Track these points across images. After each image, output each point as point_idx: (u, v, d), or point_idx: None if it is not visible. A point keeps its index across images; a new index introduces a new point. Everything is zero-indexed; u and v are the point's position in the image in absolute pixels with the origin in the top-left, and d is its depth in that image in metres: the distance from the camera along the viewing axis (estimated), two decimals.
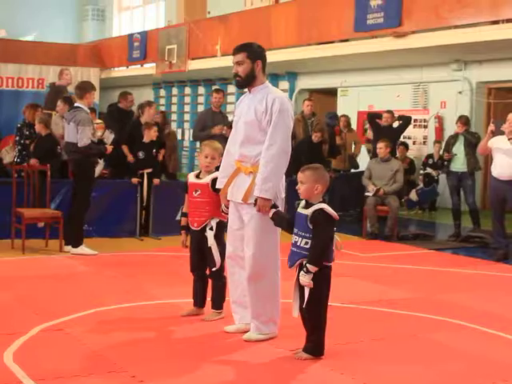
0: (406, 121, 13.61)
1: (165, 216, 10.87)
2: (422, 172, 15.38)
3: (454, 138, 11.67)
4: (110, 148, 9.96)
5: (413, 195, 14.83)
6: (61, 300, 6.78)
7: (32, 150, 10.42)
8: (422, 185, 15.16)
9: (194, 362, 5.07)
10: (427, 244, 10.96)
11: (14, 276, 7.89)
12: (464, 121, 11.60)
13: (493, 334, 6.05)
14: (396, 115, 13.69)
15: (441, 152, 13.17)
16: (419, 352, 5.52)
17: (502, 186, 9.59)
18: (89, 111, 9.51)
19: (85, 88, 9.45)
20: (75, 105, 9.53)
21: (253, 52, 5.64)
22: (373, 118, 13.78)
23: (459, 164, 11.44)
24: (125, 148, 10.91)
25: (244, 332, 5.70)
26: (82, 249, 9.31)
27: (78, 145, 9.19)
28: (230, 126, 11.49)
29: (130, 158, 10.82)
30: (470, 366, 5.21)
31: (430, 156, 15.42)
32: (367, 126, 15.32)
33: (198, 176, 6.23)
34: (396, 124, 13.65)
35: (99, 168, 11.21)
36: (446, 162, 11.75)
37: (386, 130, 13.15)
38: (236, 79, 5.69)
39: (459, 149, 11.44)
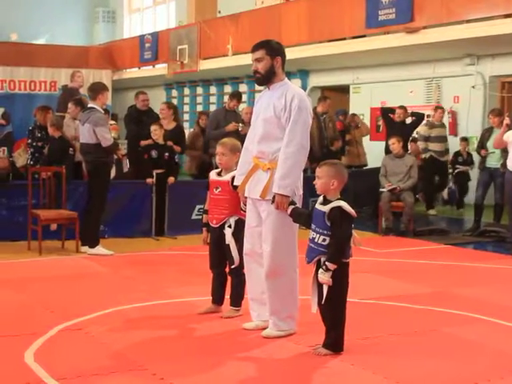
0: (419, 117, 13.60)
1: (180, 215, 10.90)
2: (450, 171, 15.09)
3: (488, 132, 11.58)
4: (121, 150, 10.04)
5: (445, 194, 14.79)
6: (79, 300, 6.80)
7: (46, 153, 10.44)
8: (451, 184, 14.94)
9: (214, 359, 5.07)
10: (443, 239, 10.93)
11: (31, 277, 7.92)
12: (497, 113, 11.52)
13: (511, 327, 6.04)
14: (409, 111, 13.66)
15: (474, 146, 12.98)
16: (438, 346, 5.50)
17: None
18: (103, 111, 9.56)
19: (97, 89, 9.48)
20: (89, 105, 9.57)
21: (272, 48, 5.64)
22: (386, 112, 13.79)
23: (494, 160, 11.38)
24: (143, 142, 11.00)
25: (263, 329, 5.70)
26: (99, 249, 9.34)
27: (103, 145, 9.23)
28: (246, 124, 11.55)
29: (147, 142, 10.89)
30: (489, 360, 5.19)
31: (457, 154, 15.02)
32: (380, 122, 15.29)
33: (219, 173, 6.25)
34: (409, 120, 13.62)
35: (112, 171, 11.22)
36: (481, 158, 11.66)
37: (398, 126, 13.15)
38: (256, 76, 5.68)
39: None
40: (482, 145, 11.59)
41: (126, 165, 10.77)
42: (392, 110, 13.69)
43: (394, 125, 13.26)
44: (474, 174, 13.48)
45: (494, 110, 11.88)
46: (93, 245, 9.35)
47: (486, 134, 11.62)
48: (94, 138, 9.27)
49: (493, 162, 11.43)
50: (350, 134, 14.52)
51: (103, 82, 10.50)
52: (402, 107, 13.52)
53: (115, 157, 10.39)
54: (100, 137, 9.23)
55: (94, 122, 9.22)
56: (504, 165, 11.27)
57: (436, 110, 14.08)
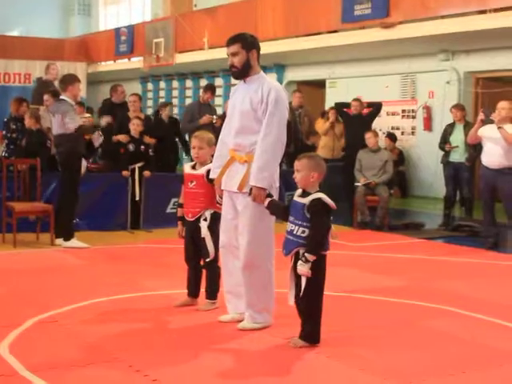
0: (377, 107, 13.30)
1: (156, 209, 10.88)
2: None
3: (451, 127, 11.68)
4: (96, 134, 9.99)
5: None
6: (54, 293, 6.77)
7: (24, 146, 10.36)
8: None
9: (190, 351, 5.08)
10: (418, 233, 11.00)
11: (5, 269, 7.87)
12: (460, 107, 11.62)
13: (485, 320, 6.09)
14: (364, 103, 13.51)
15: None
16: (413, 338, 5.55)
17: (492, 174, 9.61)
18: (73, 103, 9.45)
19: (67, 80, 9.44)
20: (60, 97, 9.50)
21: (247, 42, 5.64)
22: (340, 107, 13.44)
23: (458, 154, 11.49)
24: (116, 137, 10.95)
25: (238, 321, 5.72)
26: (73, 242, 9.30)
27: (71, 128, 9.12)
28: (220, 116, 11.53)
29: (123, 137, 10.85)
30: (463, 352, 5.24)
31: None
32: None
33: (193, 167, 6.24)
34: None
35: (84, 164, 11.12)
36: (444, 153, 11.76)
37: (356, 119, 12.83)
38: (232, 70, 5.68)
39: (457, 138, 11.46)
40: (445, 140, 11.69)
41: (98, 138, 10.60)
42: (346, 104, 13.37)
43: (351, 118, 12.96)
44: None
45: (457, 104, 11.97)
46: (67, 238, 9.31)
47: (449, 128, 11.73)
48: (64, 129, 9.21)
49: (456, 156, 11.54)
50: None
51: (75, 74, 10.40)
52: (356, 100, 13.16)
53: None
54: (67, 122, 9.14)
55: (62, 112, 9.16)
56: (469, 159, 11.40)
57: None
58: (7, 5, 26.77)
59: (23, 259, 8.56)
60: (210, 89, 12.79)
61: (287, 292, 5.28)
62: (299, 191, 5.22)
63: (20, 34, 26.31)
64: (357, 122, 12.70)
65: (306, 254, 5.01)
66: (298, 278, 5.12)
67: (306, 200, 5.09)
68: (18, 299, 6.50)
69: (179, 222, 6.41)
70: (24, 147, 10.34)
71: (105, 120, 11.77)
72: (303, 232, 5.07)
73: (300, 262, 5.03)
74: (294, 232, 5.12)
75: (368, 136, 11.74)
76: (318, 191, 5.13)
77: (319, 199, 5.07)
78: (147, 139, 11.12)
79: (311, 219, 5.04)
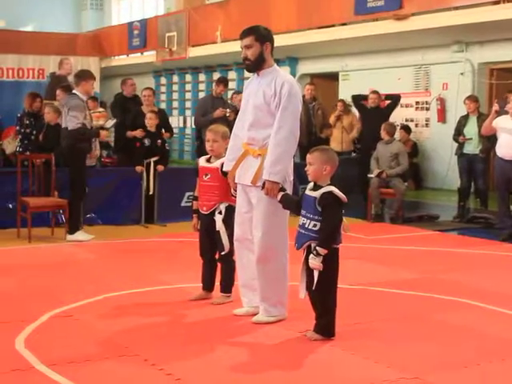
0: (394, 100, 13.25)
1: (170, 202, 10.89)
2: None
3: (465, 119, 11.63)
4: (104, 133, 9.95)
5: None
6: (69, 287, 6.80)
7: (42, 140, 10.38)
8: None
9: (204, 344, 5.09)
10: (432, 225, 10.97)
11: (21, 264, 7.91)
12: (474, 99, 11.56)
13: (500, 312, 6.07)
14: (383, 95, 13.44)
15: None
16: (428, 331, 5.54)
17: (507, 165, 9.59)
18: (84, 98, 9.46)
19: (82, 76, 9.48)
20: (73, 92, 9.55)
21: (261, 34, 5.63)
22: (357, 99, 13.38)
23: (472, 146, 11.45)
24: (131, 133, 10.96)
25: (253, 315, 5.72)
26: (78, 235, 9.33)
27: (68, 128, 9.17)
28: (234, 110, 11.51)
29: (138, 132, 10.83)
30: (478, 344, 5.22)
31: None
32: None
33: (208, 160, 6.24)
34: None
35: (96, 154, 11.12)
36: (458, 145, 11.72)
37: (373, 112, 12.80)
38: (245, 63, 5.67)
39: (471, 130, 11.41)
40: (459, 132, 11.65)
41: (96, 148, 10.65)
42: (363, 97, 13.33)
43: (368, 111, 12.94)
44: None
45: (471, 96, 11.91)
46: (72, 231, 9.33)
47: (463, 120, 11.68)
48: (67, 122, 9.24)
49: (470, 148, 11.50)
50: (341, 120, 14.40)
51: (90, 71, 10.40)
52: (375, 92, 13.09)
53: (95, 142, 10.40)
54: (68, 119, 9.18)
55: (69, 106, 9.20)
56: (483, 150, 11.35)
57: None
58: (21, 0, 26.84)
59: (38, 254, 8.60)
60: (223, 82, 12.76)
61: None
62: (311, 185, 5.21)
63: (33, 30, 26.39)
64: (374, 114, 12.68)
65: (317, 248, 5.00)
66: (310, 271, 5.12)
67: (317, 193, 5.08)
68: (33, 294, 6.53)
69: (194, 215, 6.40)
70: (42, 142, 10.34)
71: (110, 123, 11.81)
72: (315, 226, 5.06)
73: (311, 255, 5.03)
74: (306, 226, 5.11)
75: (382, 128, 11.70)
76: (330, 184, 5.13)
77: (330, 192, 5.06)
78: (164, 134, 11.13)
79: (322, 213, 5.04)
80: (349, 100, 14.58)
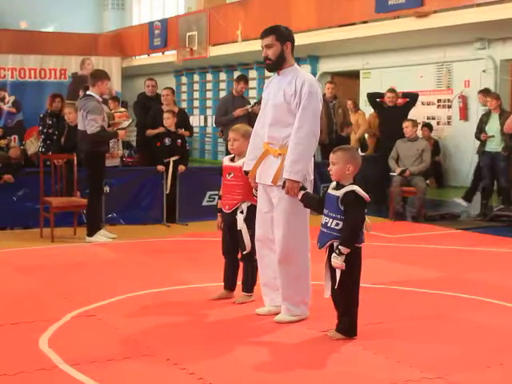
0: (412, 98, 12.99)
1: (191, 202, 10.91)
2: None
3: (487, 116, 11.55)
4: (122, 133, 9.93)
5: None
6: (92, 287, 6.83)
7: (63, 140, 10.41)
8: None
9: (227, 344, 5.10)
10: (455, 224, 10.92)
11: (44, 264, 7.96)
12: (495, 96, 11.47)
13: None
14: (400, 93, 13.25)
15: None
16: (450, 330, 5.51)
17: None
18: (100, 99, 9.37)
19: (97, 76, 9.36)
20: (87, 93, 9.42)
21: (281, 34, 5.63)
22: (373, 97, 13.05)
23: (494, 144, 11.37)
24: (150, 131, 10.99)
25: (275, 314, 5.73)
26: (97, 237, 9.34)
27: (88, 132, 9.10)
28: (256, 103, 11.45)
29: (160, 129, 10.86)
30: (501, 344, 5.19)
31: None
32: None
33: (232, 159, 6.25)
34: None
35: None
36: (480, 143, 11.65)
37: (390, 111, 12.58)
38: (266, 62, 5.67)
39: (493, 128, 11.34)
40: (480, 130, 11.57)
41: (118, 147, 10.68)
42: (380, 95, 13.08)
43: (385, 110, 12.71)
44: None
45: (493, 93, 11.81)
46: (91, 233, 9.34)
47: (485, 118, 11.60)
48: (86, 125, 9.17)
49: (492, 146, 11.42)
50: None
51: (105, 71, 10.32)
52: (392, 90, 12.83)
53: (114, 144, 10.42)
54: (87, 123, 9.10)
55: (86, 109, 9.10)
56: (505, 148, 11.27)
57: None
58: (42, 1, 27.00)
59: (61, 254, 8.65)
60: (243, 79, 12.65)
61: (323, 284, 5.27)
62: (333, 184, 5.21)
63: (55, 30, 26.52)
64: (392, 113, 12.53)
65: (339, 247, 4.99)
66: (333, 270, 5.11)
67: (340, 193, 5.07)
68: (56, 294, 6.57)
69: (219, 214, 6.39)
70: (63, 142, 10.38)
71: (126, 123, 11.83)
72: (337, 225, 5.06)
73: (334, 254, 5.03)
74: (328, 225, 5.10)
75: (406, 125, 11.63)
76: (352, 183, 5.12)
77: (353, 191, 5.05)
78: (182, 132, 11.13)
79: (345, 212, 5.03)
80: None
